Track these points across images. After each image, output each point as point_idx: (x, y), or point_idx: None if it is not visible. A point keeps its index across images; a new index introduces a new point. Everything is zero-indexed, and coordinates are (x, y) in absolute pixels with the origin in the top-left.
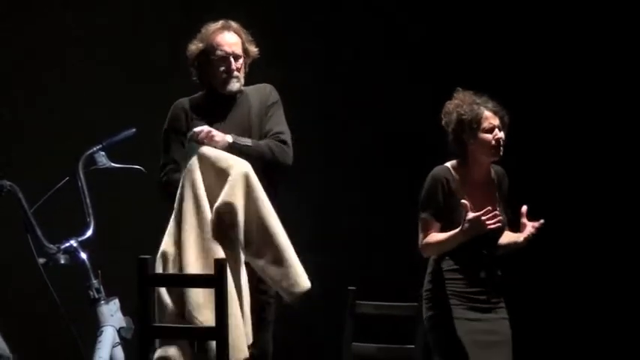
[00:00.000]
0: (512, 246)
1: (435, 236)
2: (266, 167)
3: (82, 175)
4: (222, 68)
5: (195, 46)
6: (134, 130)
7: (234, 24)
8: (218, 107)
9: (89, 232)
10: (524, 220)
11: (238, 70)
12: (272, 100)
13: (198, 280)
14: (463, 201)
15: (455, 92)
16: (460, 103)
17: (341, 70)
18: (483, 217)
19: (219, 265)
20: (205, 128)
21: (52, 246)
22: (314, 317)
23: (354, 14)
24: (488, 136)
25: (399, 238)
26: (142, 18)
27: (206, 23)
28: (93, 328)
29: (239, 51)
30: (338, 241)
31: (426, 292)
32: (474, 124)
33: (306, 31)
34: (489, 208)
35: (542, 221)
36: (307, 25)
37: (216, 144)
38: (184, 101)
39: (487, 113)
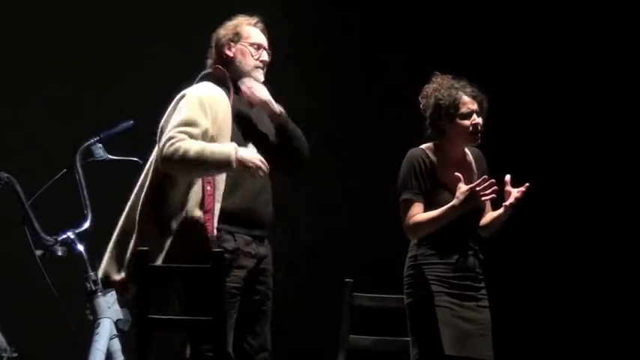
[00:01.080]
0: (495, 222)
1: (424, 215)
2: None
3: (79, 167)
4: (255, 56)
5: (225, 30)
6: (132, 122)
7: (261, 23)
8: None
9: (86, 224)
10: (508, 187)
11: (265, 63)
12: None
13: (195, 272)
14: (456, 174)
15: (433, 76)
16: (438, 87)
17: (345, 68)
18: (478, 188)
19: (217, 257)
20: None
21: (49, 238)
22: (311, 309)
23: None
24: (466, 122)
25: (395, 229)
26: (140, 11)
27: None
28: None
29: (267, 47)
30: (335, 234)
31: (406, 277)
32: (451, 109)
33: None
34: (485, 177)
35: (527, 184)
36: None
37: (253, 98)
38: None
39: (465, 98)
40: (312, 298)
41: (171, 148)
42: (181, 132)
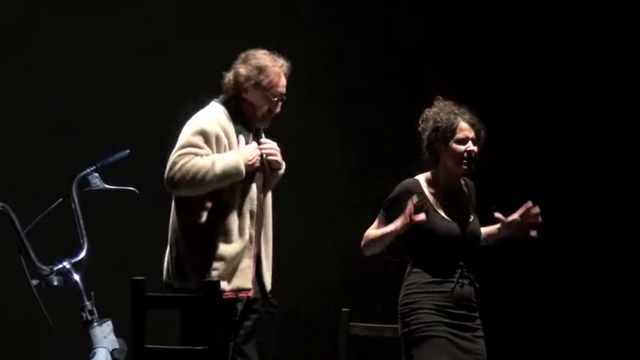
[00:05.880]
0: (490, 238)
1: (375, 231)
2: None
3: (75, 197)
4: (268, 108)
5: (247, 71)
6: (128, 151)
7: (287, 64)
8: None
9: (82, 254)
10: (513, 216)
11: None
12: None
13: (192, 301)
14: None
15: (435, 100)
16: (438, 111)
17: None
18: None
19: (211, 285)
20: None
21: (44, 267)
22: (308, 339)
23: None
24: (460, 148)
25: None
26: (139, 37)
27: (252, 52)
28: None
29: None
30: (333, 262)
31: (401, 306)
32: (447, 133)
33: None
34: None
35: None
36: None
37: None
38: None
39: (463, 125)
40: (310, 327)
41: (178, 172)
42: (185, 154)
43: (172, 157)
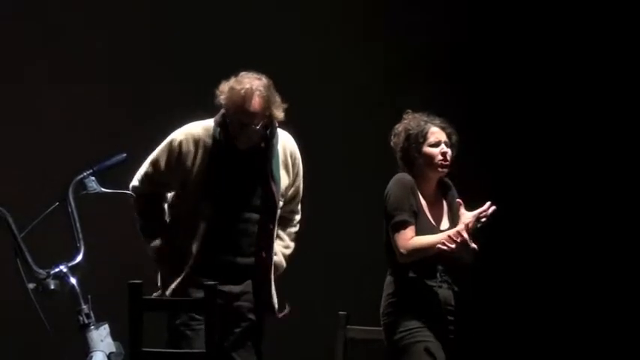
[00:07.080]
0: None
1: (424, 238)
2: None
3: (72, 201)
4: (236, 130)
5: (224, 88)
6: (125, 155)
7: (263, 90)
8: (236, 156)
9: (79, 258)
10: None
11: (252, 134)
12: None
13: (189, 304)
14: (458, 200)
15: (404, 114)
16: (409, 121)
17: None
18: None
19: (210, 289)
20: None
21: (41, 271)
22: (305, 342)
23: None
24: (434, 150)
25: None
26: (139, 37)
27: (242, 73)
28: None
29: (258, 120)
30: (331, 264)
31: (384, 316)
32: (420, 138)
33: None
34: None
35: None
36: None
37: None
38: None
39: (434, 128)
40: (306, 330)
41: (133, 200)
42: (142, 179)
43: (137, 176)
